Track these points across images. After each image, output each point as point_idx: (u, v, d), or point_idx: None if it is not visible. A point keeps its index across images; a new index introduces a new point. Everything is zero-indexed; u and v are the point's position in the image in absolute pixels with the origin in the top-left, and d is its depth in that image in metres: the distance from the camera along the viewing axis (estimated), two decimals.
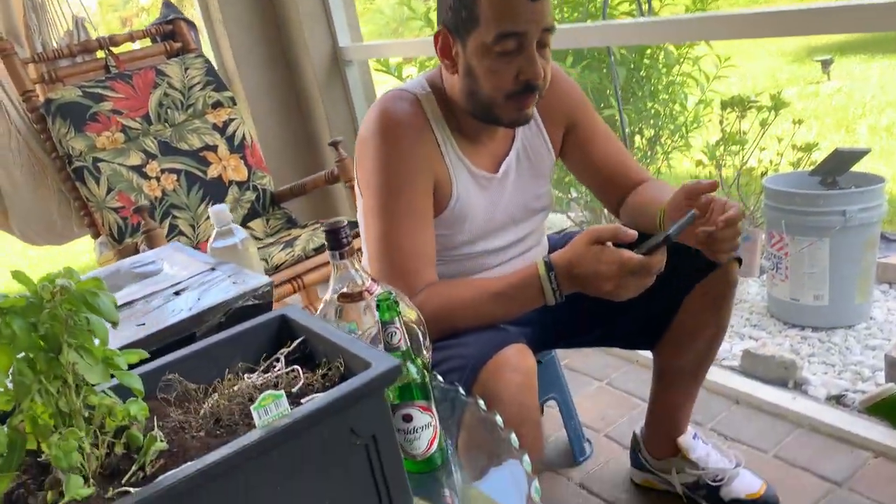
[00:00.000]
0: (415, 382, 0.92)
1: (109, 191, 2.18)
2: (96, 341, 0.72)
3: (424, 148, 1.25)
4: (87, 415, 0.71)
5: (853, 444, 1.65)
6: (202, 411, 0.76)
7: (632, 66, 2.81)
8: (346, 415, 0.73)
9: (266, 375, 0.82)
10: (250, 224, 2.40)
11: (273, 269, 2.02)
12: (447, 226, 1.30)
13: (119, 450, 0.73)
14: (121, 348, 0.89)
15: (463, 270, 1.35)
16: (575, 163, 1.43)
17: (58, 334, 0.66)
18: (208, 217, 2.32)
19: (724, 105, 2.64)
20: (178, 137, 2.34)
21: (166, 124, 2.35)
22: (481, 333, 1.16)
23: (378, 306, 0.89)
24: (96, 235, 2.24)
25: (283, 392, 0.69)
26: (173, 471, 0.66)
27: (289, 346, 0.88)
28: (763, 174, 2.63)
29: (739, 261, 1.33)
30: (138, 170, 2.24)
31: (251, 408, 0.68)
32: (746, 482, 1.51)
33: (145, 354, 0.76)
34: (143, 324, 0.96)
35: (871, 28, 1.43)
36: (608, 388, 2.05)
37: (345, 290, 1.01)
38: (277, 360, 0.87)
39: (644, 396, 1.68)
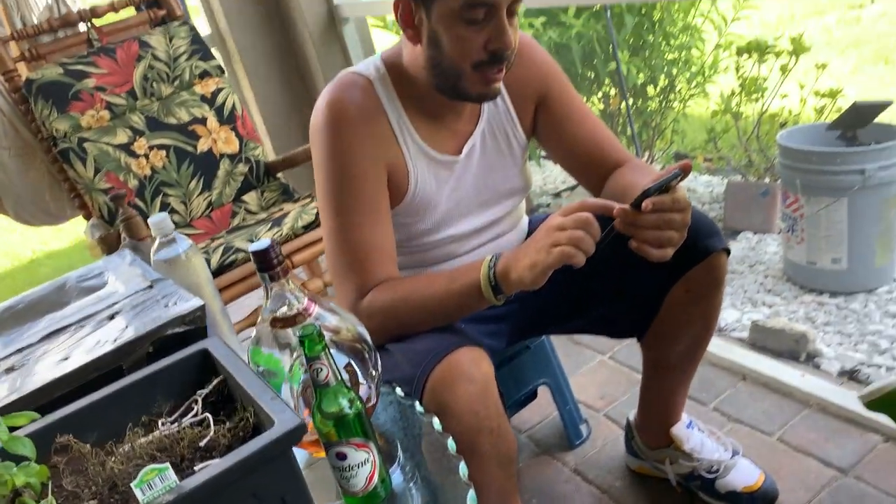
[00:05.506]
0: (348, 418, 0.86)
1: (97, 172, 2.13)
2: None
3: (375, 136, 1.17)
4: None
5: (863, 426, 1.56)
6: (98, 476, 0.71)
7: (642, 12, 2.63)
8: (246, 482, 0.67)
9: (174, 427, 0.77)
10: (244, 198, 2.34)
11: None
12: (408, 214, 1.23)
13: None
14: (37, 391, 0.86)
15: (429, 259, 1.28)
16: (548, 141, 1.32)
17: None
18: (200, 192, 2.27)
19: (740, 51, 2.47)
20: (165, 112, 2.27)
21: (153, 98, 2.27)
22: (431, 336, 1.09)
23: (301, 342, 0.83)
24: (88, 217, 2.20)
25: (167, 465, 0.63)
26: None
27: (206, 388, 0.82)
28: (783, 125, 2.46)
29: (727, 251, 1.22)
30: (125, 148, 2.19)
31: (131, 485, 0.62)
32: (743, 473, 1.44)
33: (35, 416, 0.71)
34: (67, 358, 0.91)
35: None
36: (610, 362, 1.98)
37: (279, 312, 0.94)
38: (196, 401, 0.82)
39: None
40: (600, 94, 2.98)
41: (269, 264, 0.91)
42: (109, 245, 1.85)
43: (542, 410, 1.84)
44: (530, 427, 1.81)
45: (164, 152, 2.24)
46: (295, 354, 0.96)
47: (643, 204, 0.94)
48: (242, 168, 2.34)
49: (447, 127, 1.24)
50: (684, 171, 0.95)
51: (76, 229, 4.65)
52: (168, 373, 0.84)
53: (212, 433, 0.75)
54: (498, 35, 1.08)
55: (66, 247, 4.79)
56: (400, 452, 1.05)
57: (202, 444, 0.74)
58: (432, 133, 1.22)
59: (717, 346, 1.86)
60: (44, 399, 0.86)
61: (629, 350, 1.98)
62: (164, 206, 2.21)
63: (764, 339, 1.88)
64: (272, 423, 0.69)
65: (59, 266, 4.41)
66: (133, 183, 2.17)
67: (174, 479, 0.64)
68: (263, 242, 0.92)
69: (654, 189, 0.93)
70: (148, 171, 2.20)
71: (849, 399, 1.60)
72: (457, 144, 1.25)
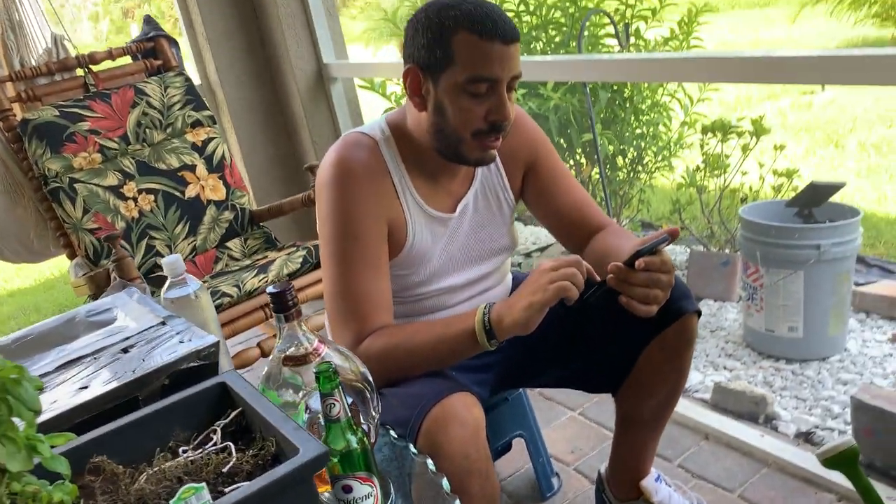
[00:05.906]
0: (355, 453, 0.91)
1: (86, 212, 2.17)
2: (21, 423, 0.72)
3: (379, 194, 1.26)
4: (9, 503, 0.71)
5: (817, 485, 1.65)
6: (129, 496, 0.75)
7: (614, 88, 2.80)
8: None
9: (197, 453, 0.82)
10: (228, 244, 2.39)
11: (246, 296, 2.01)
12: (404, 266, 1.31)
13: None
14: (59, 415, 0.91)
15: (421, 310, 1.35)
16: (535, 205, 1.43)
17: None
18: (185, 237, 2.32)
19: (704, 130, 2.64)
20: (156, 157, 2.33)
21: (144, 144, 2.34)
22: (425, 381, 1.16)
23: (317, 378, 0.89)
24: (72, 256, 2.23)
25: (203, 485, 0.69)
26: None
27: (226, 418, 0.88)
28: (743, 200, 2.62)
29: (698, 313, 1.32)
30: (115, 190, 2.24)
31: (170, 503, 0.68)
32: None
33: (72, 436, 0.75)
34: (87, 387, 0.96)
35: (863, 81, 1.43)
36: (581, 418, 2.05)
37: (290, 351, 1.01)
38: (215, 431, 0.87)
39: None
40: (572, 162, 3.13)
41: (284, 306, 0.98)
42: (97, 283, 1.88)
43: (513, 463, 1.90)
44: (503, 479, 1.86)
45: (152, 196, 2.29)
46: (302, 394, 1.02)
47: (636, 263, 1.03)
48: (228, 215, 2.40)
49: (444, 187, 1.33)
50: (672, 237, 1.06)
51: (40, 268, 4.61)
52: (187, 404, 0.89)
53: (234, 460, 0.80)
54: (498, 108, 1.19)
55: (29, 286, 4.74)
56: (393, 490, 1.10)
57: (225, 469, 0.79)
58: (430, 192, 1.31)
59: (681, 406, 1.95)
60: (63, 425, 0.90)
61: (599, 407, 2.06)
62: (150, 249, 2.25)
63: (725, 401, 1.98)
64: (296, 450, 0.75)
65: (22, 304, 4.35)
66: (120, 224, 2.21)
67: (208, 498, 0.69)
68: (281, 285, 0.99)
69: (646, 251, 1.04)
70: (136, 214, 2.25)
71: (805, 459, 1.70)
72: (452, 203, 1.34)
